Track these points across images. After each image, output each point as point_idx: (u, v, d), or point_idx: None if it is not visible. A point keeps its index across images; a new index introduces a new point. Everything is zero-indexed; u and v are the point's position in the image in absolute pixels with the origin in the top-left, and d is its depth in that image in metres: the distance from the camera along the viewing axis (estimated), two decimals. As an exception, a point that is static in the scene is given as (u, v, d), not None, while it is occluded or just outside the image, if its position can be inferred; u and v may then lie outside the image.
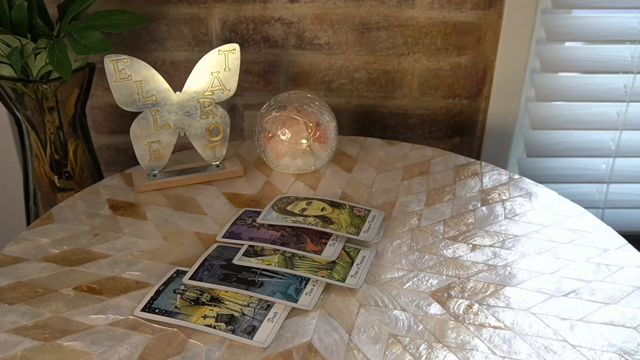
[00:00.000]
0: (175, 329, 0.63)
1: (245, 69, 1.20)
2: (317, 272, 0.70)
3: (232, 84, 0.89)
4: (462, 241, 0.78)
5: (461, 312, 0.66)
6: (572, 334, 0.63)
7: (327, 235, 0.76)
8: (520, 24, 1.16)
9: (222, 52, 0.86)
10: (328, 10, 1.15)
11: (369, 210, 0.82)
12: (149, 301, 0.66)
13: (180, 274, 0.70)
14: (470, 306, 0.67)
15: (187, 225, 0.80)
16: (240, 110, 1.24)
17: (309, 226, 0.76)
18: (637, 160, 1.29)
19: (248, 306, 0.65)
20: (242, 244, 0.75)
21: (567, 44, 1.24)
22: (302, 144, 0.90)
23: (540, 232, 0.80)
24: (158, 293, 0.67)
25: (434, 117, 1.26)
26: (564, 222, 0.82)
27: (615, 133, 1.26)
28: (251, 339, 0.61)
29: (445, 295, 0.68)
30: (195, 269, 0.70)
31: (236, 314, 0.64)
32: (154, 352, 0.60)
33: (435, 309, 0.66)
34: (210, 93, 0.88)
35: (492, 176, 0.93)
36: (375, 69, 1.21)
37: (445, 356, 0.60)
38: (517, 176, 0.93)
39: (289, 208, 0.81)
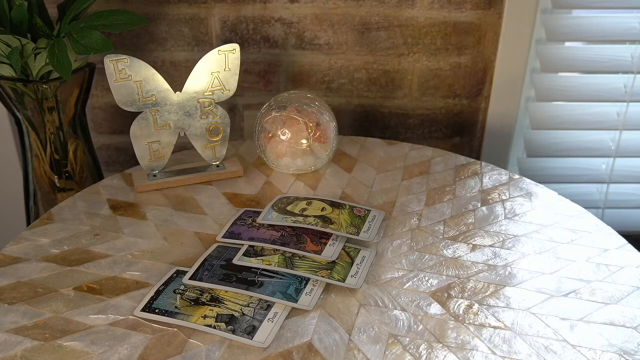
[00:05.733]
0: (175, 329, 0.63)
1: (245, 69, 1.20)
2: (317, 272, 0.70)
3: (232, 84, 0.89)
4: (462, 241, 0.78)
5: (461, 312, 0.66)
6: (572, 334, 0.63)
7: (327, 235, 0.76)
8: (520, 24, 1.16)
9: (222, 52, 0.86)
10: (328, 10, 1.15)
11: (369, 210, 0.82)
12: (149, 301, 0.66)
13: (180, 274, 0.70)
14: (470, 306, 0.67)
15: (187, 225, 0.80)
16: (240, 110, 1.24)
17: (309, 226, 0.76)
18: (637, 160, 1.29)
19: (248, 306, 0.65)
20: (242, 244, 0.75)
21: (567, 44, 1.24)
22: (302, 144, 0.90)
23: (540, 232, 0.80)
24: (158, 293, 0.67)
25: (434, 117, 1.26)
26: (564, 222, 0.82)
27: (615, 133, 1.26)
28: (251, 339, 0.61)
29: (445, 295, 0.68)
30: (195, 269, 0.70)
31: (236, 314, 0.64)
32: (154, 352, 0.60)
33: (435, 309, 0.66)
34: (210, 93, 0.88)
35: (492, 176, 0.93)
36: (375, 69, 1.21)
37: (445, 356, 0.60)
38: (517, 176, 0.93)
39: (289, 208, 0.81)
